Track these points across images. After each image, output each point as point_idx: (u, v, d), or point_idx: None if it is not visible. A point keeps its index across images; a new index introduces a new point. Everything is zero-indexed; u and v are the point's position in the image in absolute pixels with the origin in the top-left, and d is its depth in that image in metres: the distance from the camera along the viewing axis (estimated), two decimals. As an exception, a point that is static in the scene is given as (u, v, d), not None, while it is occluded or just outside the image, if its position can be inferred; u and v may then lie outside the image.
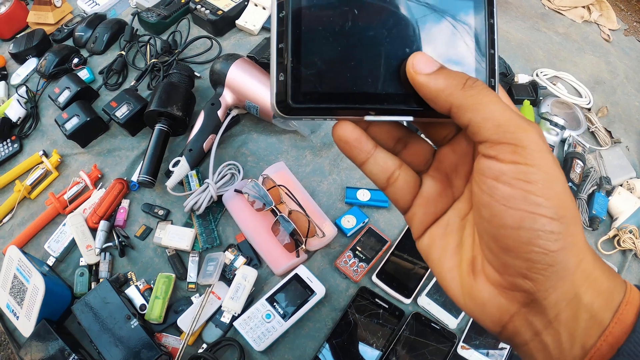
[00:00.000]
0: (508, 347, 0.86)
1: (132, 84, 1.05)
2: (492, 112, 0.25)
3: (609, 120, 1.21)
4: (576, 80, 1.21)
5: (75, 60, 1.08)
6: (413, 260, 0.90)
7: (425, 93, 0.28)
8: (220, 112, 0.94)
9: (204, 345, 0.82)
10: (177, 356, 0.81)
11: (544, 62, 1.25)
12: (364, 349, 0.81)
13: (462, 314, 0.87)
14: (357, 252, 0.88)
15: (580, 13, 1.29)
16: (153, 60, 1.05)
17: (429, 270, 0.89)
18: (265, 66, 0.98)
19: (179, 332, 0.84)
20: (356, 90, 0.29)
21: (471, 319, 0.87)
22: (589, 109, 1.19)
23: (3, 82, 1.14)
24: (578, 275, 0.26)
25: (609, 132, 1.17)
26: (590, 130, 1.16)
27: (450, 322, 0.86)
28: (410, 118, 0.30)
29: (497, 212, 0.26)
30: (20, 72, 1.14)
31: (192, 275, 0.87)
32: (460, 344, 0.85)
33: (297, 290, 0.84)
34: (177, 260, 0.89)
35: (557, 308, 0.26)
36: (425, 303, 0.87)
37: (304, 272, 0.85)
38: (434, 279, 0.88)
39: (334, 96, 0.29)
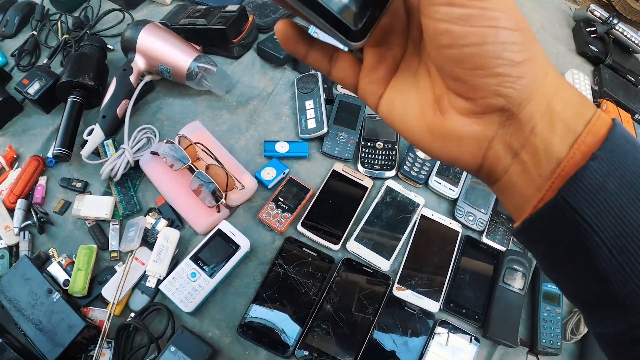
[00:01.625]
0: (447, 283, 0.83)
1: (45, 62, 1.02)
2: None
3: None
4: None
5: (-14, 44, 1.04)
6: (338, 207, 0.87)
7: None
8: (132, 78, 0.91)
9: (132, 315, 0.78)
10: (103, 327, 0.76)
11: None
12: (296, 299, 0.79)
13: (394, 255, 0.84)
14: (279, 202, 0.85)
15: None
16: (65, 37, 1.01)
17: (356, 214, 0.86)
18: (177, 31, 0.95)
19: (105, 304, 0.79)
20: None
21: (404, 260, 0.85)
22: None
23: None
24: (547, 87, 0.26)
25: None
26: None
27: (383, 264, 0.83)
28: None
29: (459, 33, 0.25)
30: None
31: (113, 244, 0.83)
32: (395, 285, 0.83)
33: (221, 245, 0.80)
34: (98, 230, 0.85)
35: (532, 121, 0.26)
36: (355, 247, 0.84)
37: (226, 226, 0.81)
38: (362, 223, 0.86)
39: None
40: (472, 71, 0.26)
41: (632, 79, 1.29)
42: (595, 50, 1.29)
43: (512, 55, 0.25)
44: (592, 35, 1.32)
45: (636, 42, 1.32)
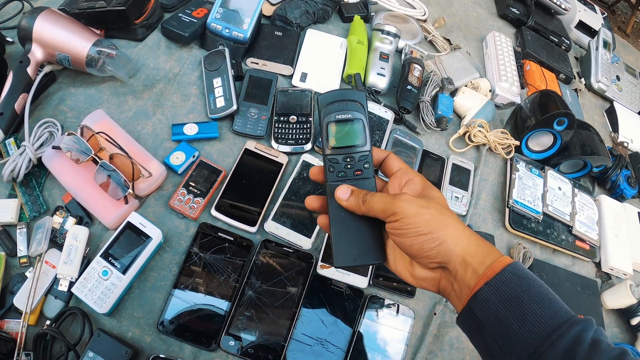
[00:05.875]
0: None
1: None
2: (377, 205, 0.45)
3: (448, 29, 1.16)
4: (409, -5, 1.15)
5: None
6: (253, 186, 0.78)
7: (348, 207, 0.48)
8: (30, 70, 0.79)
9: (48, 322, 0.68)
10: (18, 339, 0.66)
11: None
12: (216, 287, 0.70)
13: (315, 232, 0.76)
14: (190, 187, 0.75)
15: None
16: (-39, 34, 0.89)
17: (272, 193, 0.78)
18: (76, 17, 0.84)
19: (20, 314, 0.69)
20: None
21: (326, 237, 0.76)
22: (425, 20, 1.13)
23: None
24: (459, 251, 0.43)
25: (448, 40, 1.12)
26: (428, 40, 1.10)
27: (304, 242, 0.75)
28: None
29: (401, 242, 0.45)
30: None
31: (22, 249, 0.73)
32: (319, 263, 0.74)
33: (132, 239, 0.71)
34: (5, 236, 0.74)
35: (455, 269, 0.43)
36: (273, 228, 0.75)
37: (136, 218, 0.72)
38: (279, 202, 0.77)
39: None
40: (414, 257, 0.45)
41: (555, 39, 1.22)
42: (517, 12, 1.22)
43: (430, 251, 0.43)
44: (513, -2, 1.24)
45: (558, 3, 1.26)
